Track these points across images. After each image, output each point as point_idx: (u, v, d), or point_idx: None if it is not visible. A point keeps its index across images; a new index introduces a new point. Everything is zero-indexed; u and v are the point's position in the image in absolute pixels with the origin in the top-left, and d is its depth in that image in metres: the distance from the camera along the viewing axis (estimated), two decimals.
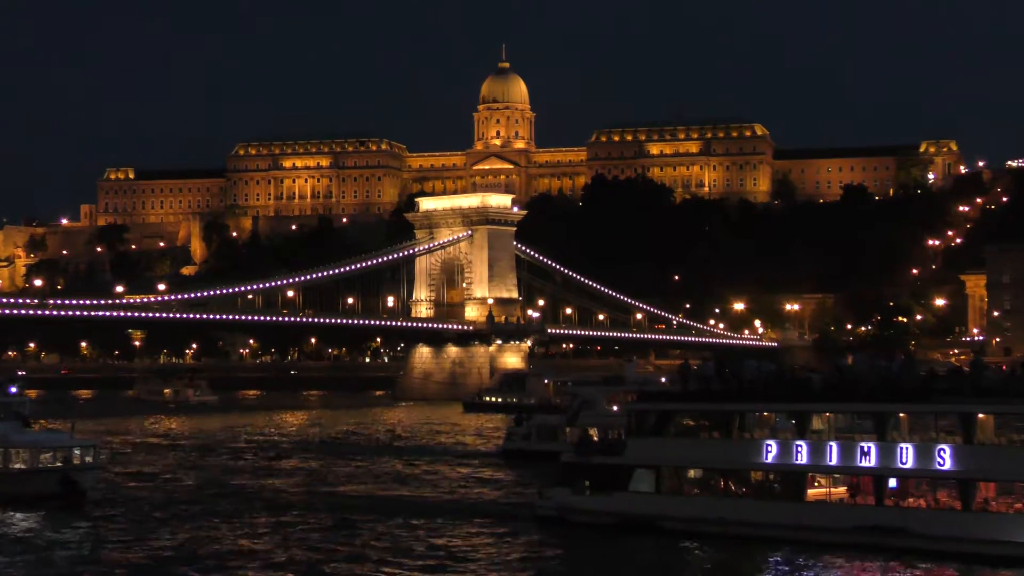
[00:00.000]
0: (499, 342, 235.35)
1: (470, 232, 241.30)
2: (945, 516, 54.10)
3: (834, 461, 56.76)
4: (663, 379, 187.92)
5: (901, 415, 57.00)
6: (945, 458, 54.18)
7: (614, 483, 61.89)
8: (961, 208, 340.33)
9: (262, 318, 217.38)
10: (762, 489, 59.04)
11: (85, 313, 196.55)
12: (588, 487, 62.74)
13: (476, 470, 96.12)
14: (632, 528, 60.61)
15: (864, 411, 57.63)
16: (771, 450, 58.25)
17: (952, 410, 55.15)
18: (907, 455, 55.04)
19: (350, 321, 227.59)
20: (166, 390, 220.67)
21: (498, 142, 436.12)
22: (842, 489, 57.58)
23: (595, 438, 76.12)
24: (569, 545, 60.40)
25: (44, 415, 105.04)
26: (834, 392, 58.54)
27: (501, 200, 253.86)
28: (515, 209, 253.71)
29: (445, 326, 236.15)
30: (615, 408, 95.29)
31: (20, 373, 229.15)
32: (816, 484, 57.82)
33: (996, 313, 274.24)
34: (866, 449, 55.91)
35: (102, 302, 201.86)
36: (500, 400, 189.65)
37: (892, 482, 55.54)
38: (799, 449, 57.72)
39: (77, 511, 72.61)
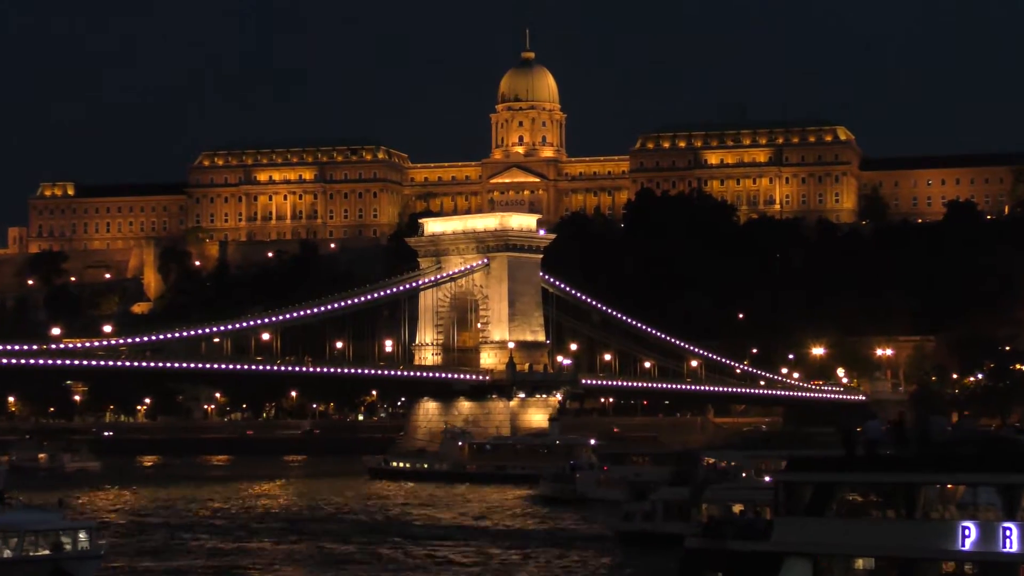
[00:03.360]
0: (522, 396, 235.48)
1: (486, 260, 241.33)
2: None
3: None
4: (592, 441, 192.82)
5: None
6: None
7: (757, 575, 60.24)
8: None
9: (231, 367, 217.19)
10: None
11: (13, 361, 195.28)
12: None
13: (583, 557, 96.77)
14: None
15: None
16: (968, 534, 56.09)
17: None
18: None
19: (339, 370, 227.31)
20: (41, 455, 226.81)
21: (521, 150, 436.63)
22: None
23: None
24: None
25: None
26: None
27: (525, 221, 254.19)
28: (542, 232, 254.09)
29: (456, 376, 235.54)
30: (767, 479, 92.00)
31: None
32: None
33: None
34: None
35: (34, 347, 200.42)
36: (408, 466, 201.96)
37: None
38: (1007, 533, 55.39)
39: None
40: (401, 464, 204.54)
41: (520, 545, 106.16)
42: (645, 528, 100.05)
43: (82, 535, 74.50)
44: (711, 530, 64.79)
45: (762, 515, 71.75)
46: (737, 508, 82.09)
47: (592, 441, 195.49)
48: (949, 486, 57.79)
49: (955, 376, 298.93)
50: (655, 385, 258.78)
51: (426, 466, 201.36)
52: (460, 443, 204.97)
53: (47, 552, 72.73)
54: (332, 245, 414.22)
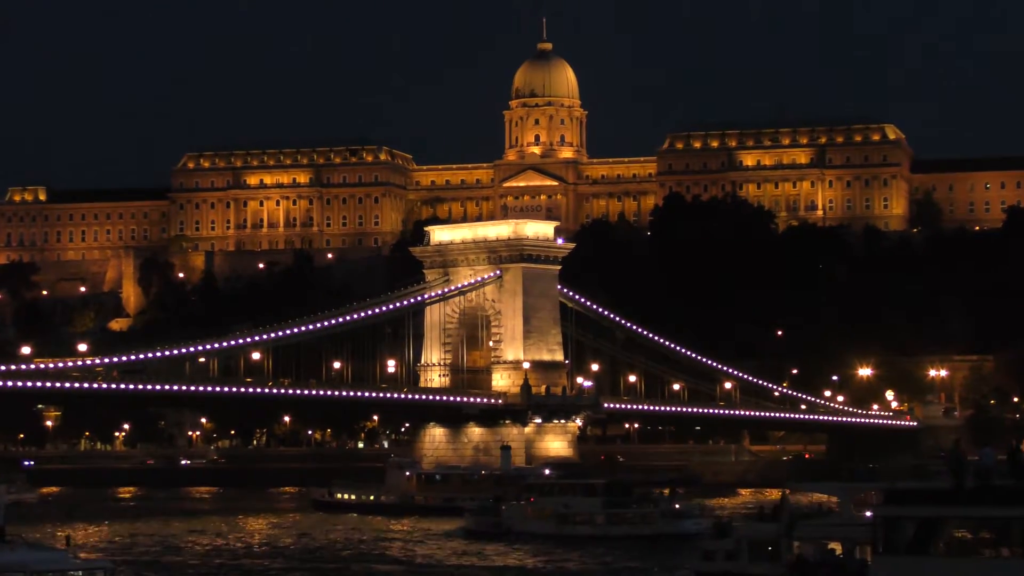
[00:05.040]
0: (538, 421, 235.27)
1: (499, 272, 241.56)
2: None
3: None
4: (547, 471, 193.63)
5: None
6: None
7: None
8: None
9: (218, 389, 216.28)
10: None
11: None
12: None
13: None
14: None
15: None
16: None
17: None
18: None
19: (337, 393, 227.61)
20: None
21: (537, 150, 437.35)
22: None
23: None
24: None
25: None
26: None
27: (541, 228, 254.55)
28: (560, 241, 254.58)
29: (465, 400, 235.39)
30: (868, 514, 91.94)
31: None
32: None
33: None
34: None
35: (3, 368, 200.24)
36: (353, 498, 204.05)
37: None
38: None
39: None
40: (346, 496, 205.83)
41: None
42: (728, 569, 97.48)
43: None
44: (798, 570, 65.02)
45: (860, 554, 71.38)
46: (836, 547, 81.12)
47: (547, 471, 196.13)
48: None
49: (1016, 399, 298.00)
50: (685, 409, 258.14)
51: (372, 498, 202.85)
52: (407, 473, 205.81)
53: None
54: (329, 255, 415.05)
